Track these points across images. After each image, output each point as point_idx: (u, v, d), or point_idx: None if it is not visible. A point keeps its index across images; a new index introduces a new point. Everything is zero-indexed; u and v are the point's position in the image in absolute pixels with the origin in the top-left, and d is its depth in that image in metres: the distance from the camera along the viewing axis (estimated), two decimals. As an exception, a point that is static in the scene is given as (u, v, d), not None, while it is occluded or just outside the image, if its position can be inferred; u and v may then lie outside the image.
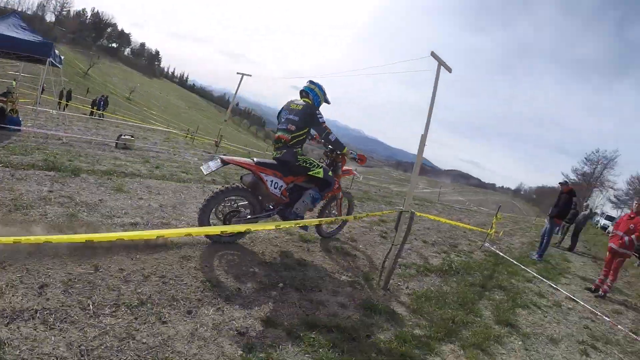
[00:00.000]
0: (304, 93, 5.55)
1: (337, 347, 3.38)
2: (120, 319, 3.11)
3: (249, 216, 5.15)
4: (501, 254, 8.86)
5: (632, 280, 11.13)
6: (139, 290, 3.57)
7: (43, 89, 24.49)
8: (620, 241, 7.78)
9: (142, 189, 6.95)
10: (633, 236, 7.61)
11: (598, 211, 50.41)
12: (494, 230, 10.80)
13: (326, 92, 5.65)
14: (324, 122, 5.34)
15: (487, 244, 9.96)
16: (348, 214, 6.76)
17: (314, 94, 5.51)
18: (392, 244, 5.14)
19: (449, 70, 5.38)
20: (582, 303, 6.47)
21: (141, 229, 5.15)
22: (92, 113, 28.27)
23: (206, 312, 3.48)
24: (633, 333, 5.95)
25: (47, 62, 11.78)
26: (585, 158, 63.35)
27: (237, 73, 12.48)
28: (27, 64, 15.49)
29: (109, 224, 5.05)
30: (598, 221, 42.54)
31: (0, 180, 5.96)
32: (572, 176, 63.89)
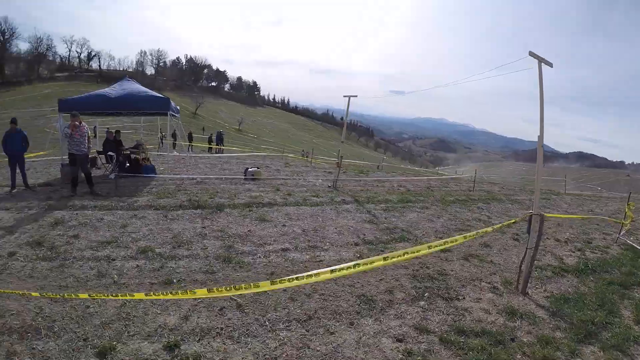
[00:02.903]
0: None
1: (485, 350, 3.73)
2: (294, 332, 3.81)
3: None
4: (638, 247, 8.39)
5: None
6: (305, 307, 4.26)
7: (164, 137, 27.49)
8: None
9: (282, 217, 7.74)
10: None
11: None
12: (629, 220, 10.13)
13: None
14: None
15: (622, 237, 9.40)
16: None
17: None
18: (527, 248, 5.28)
19: (550, 65, 5.32)
20: None
21: (292, 253, 5.91)
22: (209, 149, 30.94)
23: (366, 322, 4.04)
24: None
25: (168, 115, 13.58)
26: None
27: (344, 96, 12.86)
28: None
29: (263, 251, 5.88)
30: None
31: (157, 222, 7.10)
32: None
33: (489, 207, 11.89)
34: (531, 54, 5.12)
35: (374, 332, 3.88)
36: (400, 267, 5.58)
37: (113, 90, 14.18)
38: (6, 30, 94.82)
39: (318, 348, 3.58)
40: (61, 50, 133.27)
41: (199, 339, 3.63)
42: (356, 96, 13.23)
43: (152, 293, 4.43)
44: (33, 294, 4.45)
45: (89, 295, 4.46)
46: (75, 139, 9.96)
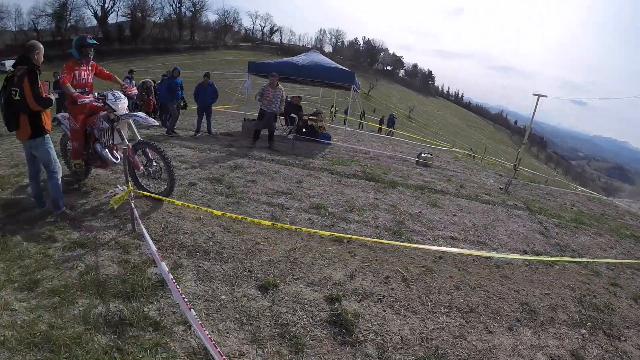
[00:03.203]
0: None
1: None
2: (453, 320, 3.83)
3: None
4: None
5: None
6: (468, 299, 4.24)
7: (336, 111, 28.60)
8: None
9: (453, 206, 7.67)
10: None
11: None
12: None
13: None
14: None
15: None
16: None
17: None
18: None
19: None
20: None
21: (460, 243, 5.86)
22: (379, 130, 31.36)
23: (524, 332, 3.90)
24: None
25: (352, 89, 14.08)
26: None
27: (533, 94, 11.80)
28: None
29: (432, 235, 5.95)
30: None
31: (331, 185, 7.52)
32: None
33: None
34: None
35: (531, 345, 3.73)
36: (567, 287, 5.21)
37: (300, 59, 15.27)
38: (197, 3, 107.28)
39: (474, 343, 3.56)
40: (246, 23, 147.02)
41: (360, 300, 3.85)
42: (546, 96, 12.19)
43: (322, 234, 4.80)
44: (215, 212, 5.13)
45: (272, 224, 5.04)
46: (269, 98, 10.95)
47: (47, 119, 4.94)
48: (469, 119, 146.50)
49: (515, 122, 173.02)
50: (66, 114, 6.24)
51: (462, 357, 3.36)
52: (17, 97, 4.61)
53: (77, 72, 5.51)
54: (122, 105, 5.59)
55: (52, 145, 5.02)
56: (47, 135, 4.96)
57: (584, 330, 4.27)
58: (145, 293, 3.58)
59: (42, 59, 4.85)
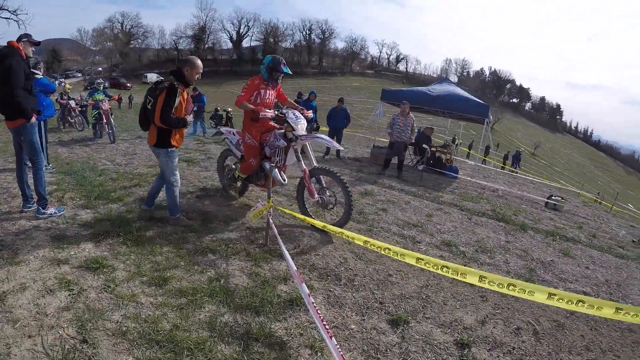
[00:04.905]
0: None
1: None
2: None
3: None
4: None
5: None
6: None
7: (460, 144, 27.82)
8: None
9: (585, 258, 7.11)
10: None
11: None
12: None
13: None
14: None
15: None
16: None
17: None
18: None
19: None
20: None
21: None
22: (503, 167, 29.92)
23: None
24: None
25: (485, 122, 13.65)
26: None
27: None
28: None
29: (563, 287, 5.54)
30: None
31: (461, 222, 7.30)
32: None
33: None
34: None
35: None
36: None
37: (434, 89, 15.20)
38: (326, 30, 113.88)
39: None
40: (373, 50, 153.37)
41: (489, 349, 3.67)
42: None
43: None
44: (357, 239, 5.15)
45: (417, 260, 4.95)
46: (399, 127, 11.05)
47: (179, 136, 5.10)
48: (596, 159, 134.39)
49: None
50: (231, 129, 6.63)
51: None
52: (149, 107, 4.84)
53: (262, 91, 5.65)
54: (302, 125, 5.53)
55: (175, 158, 5.15)
56: (172, 149, 5.07)
57: None
58: (273, 310, 3.63)
59: (195, 77, 4.96)
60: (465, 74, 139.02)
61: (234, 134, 6.32)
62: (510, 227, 7.83)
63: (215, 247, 4.74)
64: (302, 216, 5.27)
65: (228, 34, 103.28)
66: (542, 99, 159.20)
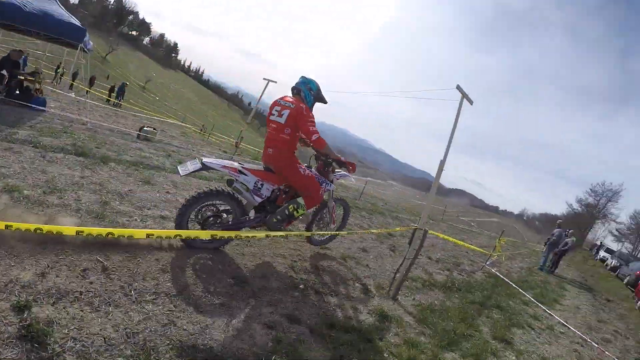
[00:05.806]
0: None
1: (354, 345, 3.78)
2: (161, 306, 3.47)
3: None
4: (501, 276, 9.17)
5: (625, 314, 11.49)
6: (176, 281, 3.93)
7: (63, 73, 24.78)
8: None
9: (167, 183, 7.25)
10: None
11: (598, 243, 50.37)
12: (497, 253, 11.12)
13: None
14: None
15: (488, 266, 10.30)
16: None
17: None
18: (405, 258, 5.53)
19: (471, 102, 5.79)
20: (573, 329, 6.78)
21: (170, 222, 5.44)
22: (108, 100, 28.55)
23: (237, 305, 3.86)
24: (619, 360, 6.31)
25: (79, 48, 12.16)
26: (590, 189, 63.07)
27: (264, 79, 12.71)
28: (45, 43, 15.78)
29: (141, 214, 5.38)
30: (597, 253, 42.35)
31: (32, 161, 6.26)
32: (576, 206, 64.36)
33: (371, 218, 12.48)
34: (458, 88, 5.60)
35: (245, 317, 3.69)
36: (279, 255, 5.50)
37: (29, 3, 12.24)
38: None
39: (185, 327, 3.26)
40: None
41: (54, 302, 3.05)
42: (276, 82, 13.08)
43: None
44: None
45: None
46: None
47: None
48: (205, 96, 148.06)
49: (249, 104, 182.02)
50: (233, 163, 5.04)
51: (173, 344, 3.05)
52: None
53: None
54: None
55: None
56: None
57: (296, 293, 4.53)
58: None
59: None
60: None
61: (245, 174, 4.89)
62: (90, 161, 7.18)
63: None
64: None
65: None
66: (162, 35, 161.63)
